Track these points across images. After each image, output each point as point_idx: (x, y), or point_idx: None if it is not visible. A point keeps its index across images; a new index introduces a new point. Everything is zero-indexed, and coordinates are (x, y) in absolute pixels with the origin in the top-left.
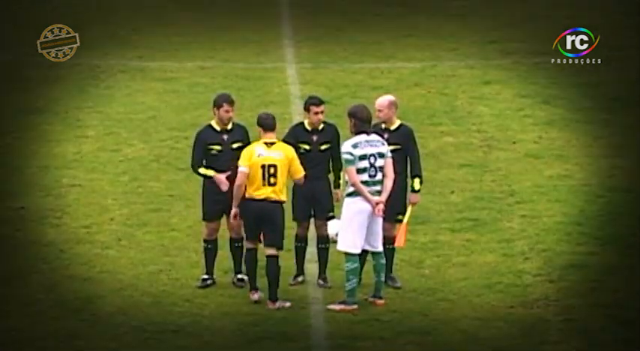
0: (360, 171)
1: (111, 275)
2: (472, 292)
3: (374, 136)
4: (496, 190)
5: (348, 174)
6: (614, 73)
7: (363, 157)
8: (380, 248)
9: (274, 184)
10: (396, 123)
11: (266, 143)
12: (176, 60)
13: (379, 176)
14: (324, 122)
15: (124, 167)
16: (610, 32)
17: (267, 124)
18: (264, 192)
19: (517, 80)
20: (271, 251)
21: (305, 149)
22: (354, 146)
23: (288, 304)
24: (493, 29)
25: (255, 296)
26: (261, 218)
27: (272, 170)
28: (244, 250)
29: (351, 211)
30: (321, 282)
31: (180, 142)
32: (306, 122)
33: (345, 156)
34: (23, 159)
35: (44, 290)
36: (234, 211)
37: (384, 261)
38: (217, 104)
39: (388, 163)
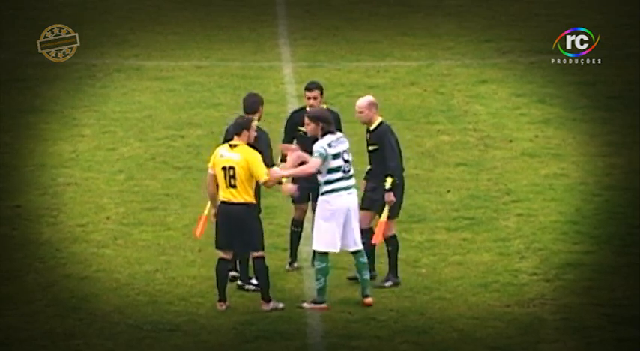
0: (334, 170)
1: (107, 274)
2: (468, 291)
3: (339, 133)
4: (492, 188)
5: (313, 163)
6: (610, 71)
7: (336, 156)
8: (358, 246)
9: (234, 186)
10: (376, 122)
11: (230, 145)
12: (172, 59)
13: (352, 171)
14: (329, 110)
15: (120, 166)
16: (610, 32)
17: (235, 126)
18: (227, 194)
19: (513, 79)
20: (256, 253)
21: (303, 132)
22: (329, 145)
23: (281, 305)
24: (489, 28)
25: (223, 307)
26: (230, 221)
27: (231, 172)
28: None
29: (326, 209)
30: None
31: (176, 141)
32: (307, 108)
33: (319, 150)
34: (20, 158)
35: (40, 289)
36: (212, 212)
37: (364, 259)
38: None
39: None
